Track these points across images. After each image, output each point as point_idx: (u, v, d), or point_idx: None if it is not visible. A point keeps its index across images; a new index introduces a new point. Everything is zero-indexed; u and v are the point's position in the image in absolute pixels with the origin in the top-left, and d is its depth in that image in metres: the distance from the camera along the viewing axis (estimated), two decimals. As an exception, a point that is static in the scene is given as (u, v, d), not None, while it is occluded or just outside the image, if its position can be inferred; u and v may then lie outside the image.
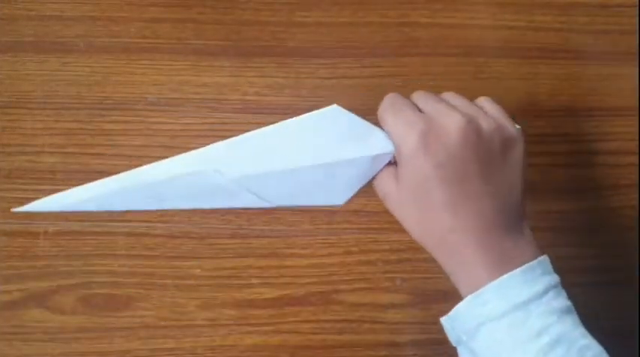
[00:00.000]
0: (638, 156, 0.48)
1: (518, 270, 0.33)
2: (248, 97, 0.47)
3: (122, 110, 0.46)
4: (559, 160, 0.48)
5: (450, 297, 0.46)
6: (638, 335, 0.41)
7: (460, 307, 0.34)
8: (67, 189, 0.45)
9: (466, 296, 0.34)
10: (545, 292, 0.33)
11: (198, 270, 0.46)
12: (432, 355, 0.46)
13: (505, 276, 0.33)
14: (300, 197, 0.36)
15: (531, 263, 0.34)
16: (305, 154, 0.36)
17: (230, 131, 0.46)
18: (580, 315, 0.46)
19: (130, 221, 0.46)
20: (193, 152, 0.36)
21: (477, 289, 0.33)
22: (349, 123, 0.36)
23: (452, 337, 0.36)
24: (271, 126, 0.36)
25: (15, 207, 0.45)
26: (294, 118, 0.36)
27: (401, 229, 0.46)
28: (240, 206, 0.36)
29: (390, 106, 0.36)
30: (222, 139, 0.46)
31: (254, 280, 0.46)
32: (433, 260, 0.46)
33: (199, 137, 0.46)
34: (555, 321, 0.32)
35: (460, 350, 0.35)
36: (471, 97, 0.48)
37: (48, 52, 0.46)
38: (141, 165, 0.45)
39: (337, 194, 0.37)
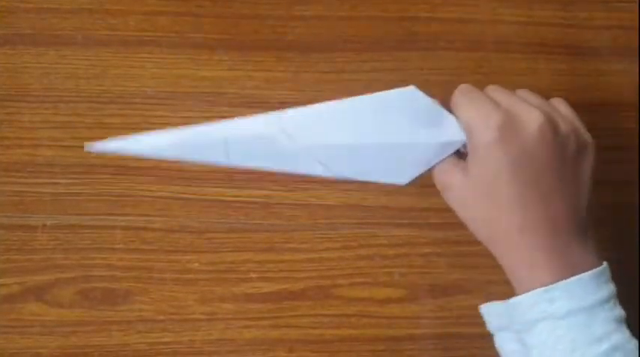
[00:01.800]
0: (638, 152, 0.48)
1: (586, 274, 0.34)
2: (247, 91, 0.47)
3: (120, 103, 0.46)
4: (558, 156, 0.48)
5: (449, 291, 0.47)
6: (638, 334, 0.41)
7: (524, 298, 0.34)
8: (66, 182, 0.45)
9: (521, 293, 0.34)
10: (609, 299, 0.34)
11: (197, 264, 0.46)
12: (430, 349, 0.46)
13: (574, 278, 0.33)
14: (365, 172, 0.37)
15: (599, 269, 0.34)
16: (376, 131, 0.36)
17: (229, 125, 0.47)
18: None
19: (128, 215, 0.46)
20: (270, 114, 0.36)
21: (536, 288, 0.33)
22: (424, 106, 0.36)
23: (494, 324, 0.36)
24: (347, 99, 0.36)
25: (13, 200, 0.45)
26: (370, 95, 0.36)
27: (399, 224, 0.47)
28: (304, 173, 0.36)
29: (466, 94, 0.36)
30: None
31: (252, 275, 0.46)
32: (431, 255, 0.47)
33: (198, 131, 0.46)
34: (615, 329, 0.33)
35: (501, 336, 0.36)
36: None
37: (46, 45, 0.46)
38: (139, 158, 0.46)
39: (401, 174, 0.37)
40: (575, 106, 0.48)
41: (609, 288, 0.34)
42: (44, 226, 0.45)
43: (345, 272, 0.46)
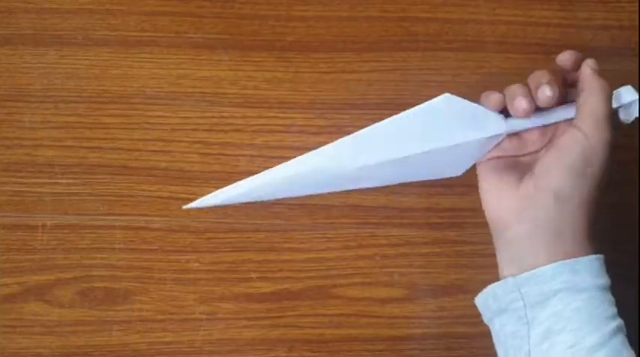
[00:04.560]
0: (638, 152, 0.48)
1: (602, 257, 0.36)
2: (247, 91, 0.47)
3: (121, 104, 0.46)
4: (558, 156, 0.48)
5: (449, 291, 0.47)
6: (638, 333, 0.41)
7: (547, 269, 0.35)
8: (66, 182, 0.45)
9: (530, 269, 0.35)
10: (611, 285, 0.36)
11: (197, 264, 0.46)
12: (430, 349, 0.46)
13: (594, 256, 0.35)
14: (417, 176, 0.39)
15: (603, 256, 0.36)
16: (422, 141, 0.38)
17: (229, 125, 0.47)
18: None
19: (128, 215, 0.46)
20: (318, 151, 0.38)
21: (559, 260, 0.35)
22: (462, 108, 0.38)
23: (494, 307, 0.36)
24: (388, 119, 0.38)
25: (13, 200, 0.45)
26: (410, 110, 0.38)
27: (399, 224, 0.47)
28: (358, 188, 0.39)
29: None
30: (220, 132, 0.46)
31: (252, 274, 0.46)
32: (431, 255, 0.47)
33: (198, 131, 0.46)
34: (617, 312, 0.35)
35: (499, 320, 0.36)
36: (471, 93, 0.48)
37: (46, 45, 0.46)
38: (139, 158, 0.46)
39: (455, 168, 0.39)
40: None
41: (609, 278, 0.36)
42: (44, 226, 0.45)
43: (345, 272, 0.46)
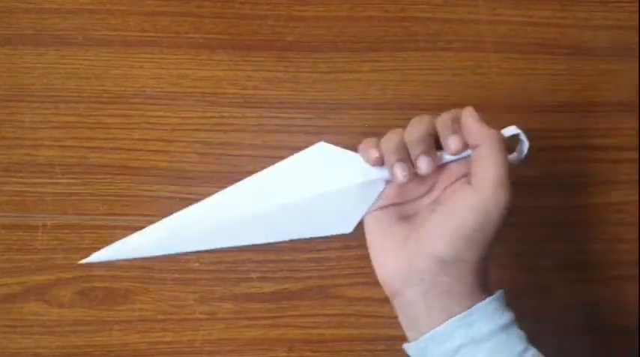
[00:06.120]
0: (638, 151, 0.48)
1: (497, 294, 0.34)
2: (247, 91, 0.47)
3: (121, 103, 0.46)
4: (558, 156, 0.48)
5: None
6: (638, 332, 0.41)
7: (441, 328, 0.34)
8: (66, 182, 0.45)
9: (425, 333, 0.34)
10: (515, 319, 0.34)
11: (197, 264, 0.46)
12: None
13: (487, 300, 0.34)
14: (307, 231, 0.38)
15: (502, 292, 0.35)
16: (299, 189, 0.38)
17: (229, 125, 0.47)
18: (580, 311, 0.47)
19: (128, 215, 0.46)
20: (206, 201, 0.39)
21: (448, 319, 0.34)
22: (337, 155, 0.38)
23: None
24: (263, 171, 0.39)
25: (14, 200, 0.45)
26: (284, 160, 0.39)
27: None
28: (253, 243, 0.38)
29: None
30: (220, 132, 0.46)
31: (252, 274, 0.46)
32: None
33: (198, 131, 0.46)
34: (528, 344, 0.33)
35: None
36: (470, 92, 0.48)
37: (46, 45, 0.46)
38: (139, 158, 0.46)
39: (343, 223, 0.38)
40: (575, 106, 0.48)
41: (511, 310, 0.35)
42: (44, 226, 0.45)
43: (345, 272, 0.46)
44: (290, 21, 0.47)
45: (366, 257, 0.46)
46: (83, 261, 0.38)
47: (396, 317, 0.39)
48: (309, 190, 0.38)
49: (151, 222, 0.45)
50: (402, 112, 0.47)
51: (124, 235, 0.45)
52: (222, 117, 0.47)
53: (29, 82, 0.46)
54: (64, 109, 0.46)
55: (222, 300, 0.46)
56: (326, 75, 0.47)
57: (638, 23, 0.49)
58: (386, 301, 0.46)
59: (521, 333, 0.34)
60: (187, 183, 0.46)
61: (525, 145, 0.36)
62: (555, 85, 0.48)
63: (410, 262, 0.35)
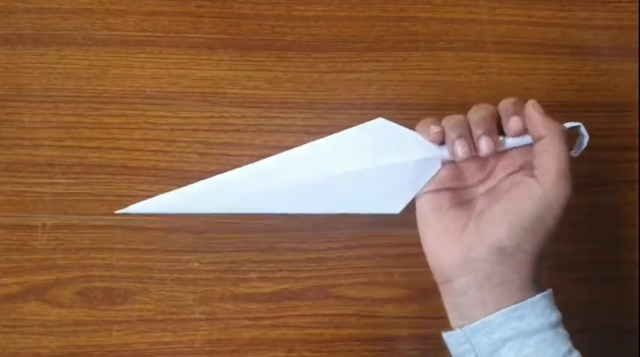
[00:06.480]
0: (638, 152, 0.48)
1: (548, 292, 0.35)
2: (247, 91, 0.47)
3: (120, 103, 0.46)
4: (558, 156, 0.48)
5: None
6: (638, 332, 0.41)
7: (494, 318, 0.34)
8: (66, 182, 0.45)
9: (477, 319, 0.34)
10: (562, 319, 0.35)
11: (197, 264, 0.46)
12: (430, 350, 0.46)
13: (539, 295, 0.34)
14: (352, 206, 0.38)
15: (551, 291, 0.35)
16: (351, 162, 0.37)
17: (229, 125, 0.47)
18: (580, 311, 0.47)
19: (128, 215, 0.46)
20: (257, 164, 0.39)
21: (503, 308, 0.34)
22: (395, 133, 0.38)
23: (457, 349, 0.36)
24: (318, 140, 0.38)
25: (13, 200, 0.45)
26: (341, 132, 0.38)
27: (399, 224, 0.47)
28: (291, 212, 0.38)
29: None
30: (220, 132, 0.46)
31: (252, 274, 0.46)
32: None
33: (198, 131, 0.46)
34: (573, 346, 0.34)
35: None
36: (470, 92, 0.48)
37: (46, 45, 0.46)
38: (139, 158, 0.46)
39: (392, 202, 0.38)
40: (574, 106, 0.48)
41: (559, 310, 0.35)
42: (44, 226, 0.45)
43: (346, 272, 0.46)
44: (290, 21, 0.47)
45: (366, 257, 0.47)
46: (119, 211, 0.38)
47: (395, 318, 0.39)
48: (362, 162, 0.37)
49: (151, 222, 0.46)
50: (402, 112, 0.47)
51: (123, 235, 0.45)
52: (222, 117, 0.47)
53: (29, 82, 0.46)
54: (63, 109, 0.46)
55: (222, 300, 0.46)
56: (326, 75, 0.47)
57: (638, 23, 0.49)
58: (386, 301, 0.47)
59: (567, 334, 0.34)
60: (187, 183, 0.46)
61: (585, 138, 0.37)
62: (555, 85, 0.48)
63: (468, 251, 0.35)
